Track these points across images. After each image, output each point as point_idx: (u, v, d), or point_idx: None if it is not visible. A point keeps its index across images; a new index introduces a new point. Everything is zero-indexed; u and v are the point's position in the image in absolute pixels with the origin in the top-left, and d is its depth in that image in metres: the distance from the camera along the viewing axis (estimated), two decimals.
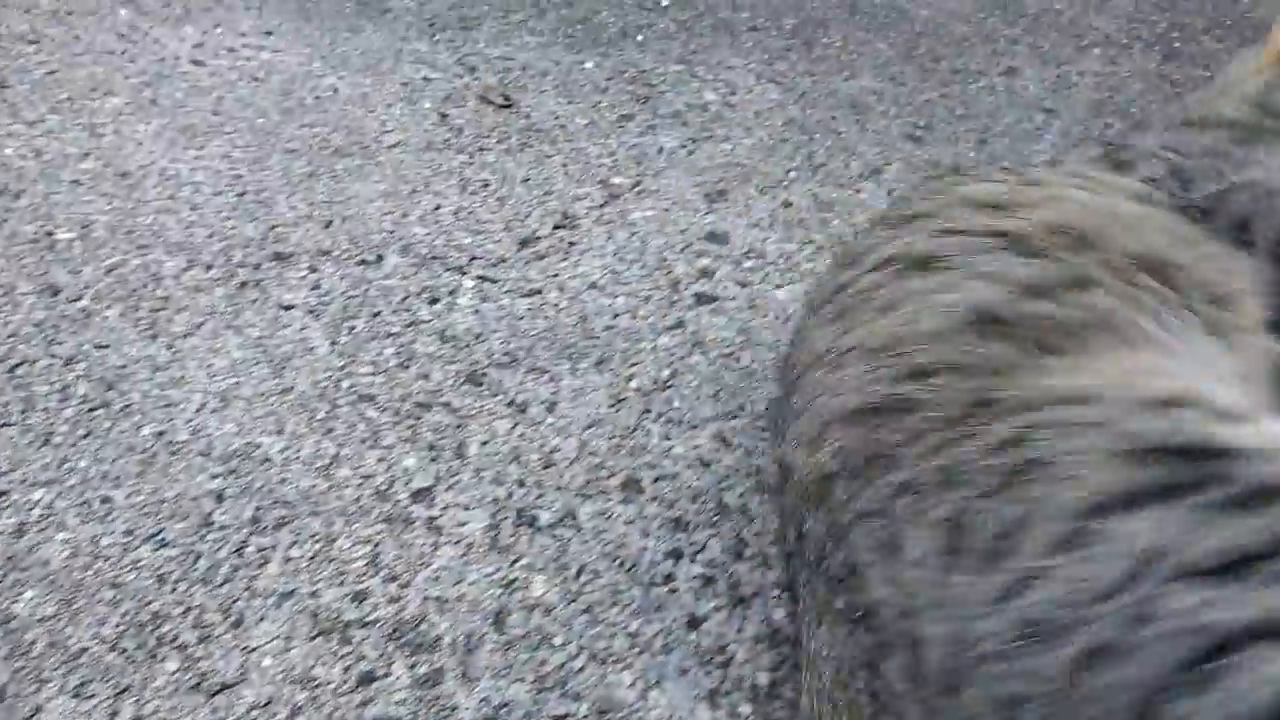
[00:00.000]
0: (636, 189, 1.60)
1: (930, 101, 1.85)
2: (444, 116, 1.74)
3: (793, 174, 1.65)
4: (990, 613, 0.67)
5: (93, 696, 0.93)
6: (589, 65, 1.92)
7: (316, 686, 0.93)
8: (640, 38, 2.02)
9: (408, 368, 1.26)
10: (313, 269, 1.41)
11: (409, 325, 1.33)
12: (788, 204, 1.58)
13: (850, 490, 0.83)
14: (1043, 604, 0.66)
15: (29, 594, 1.02)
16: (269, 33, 1.95)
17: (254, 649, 0.96)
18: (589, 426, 1.19)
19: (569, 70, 1.90)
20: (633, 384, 1.25)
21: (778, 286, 1.42)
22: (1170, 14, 2.31)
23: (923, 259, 0.97)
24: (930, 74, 1.94)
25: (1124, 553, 0.66)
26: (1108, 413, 0.76)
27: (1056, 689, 0.64)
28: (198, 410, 1.20)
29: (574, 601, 1.01)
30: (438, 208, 1.54)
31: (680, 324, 1.34)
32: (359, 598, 1.01)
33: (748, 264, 1.46)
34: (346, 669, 0.95)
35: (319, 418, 1.20)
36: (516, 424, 1.19)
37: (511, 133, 1.71)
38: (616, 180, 1.62)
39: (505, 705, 0.92)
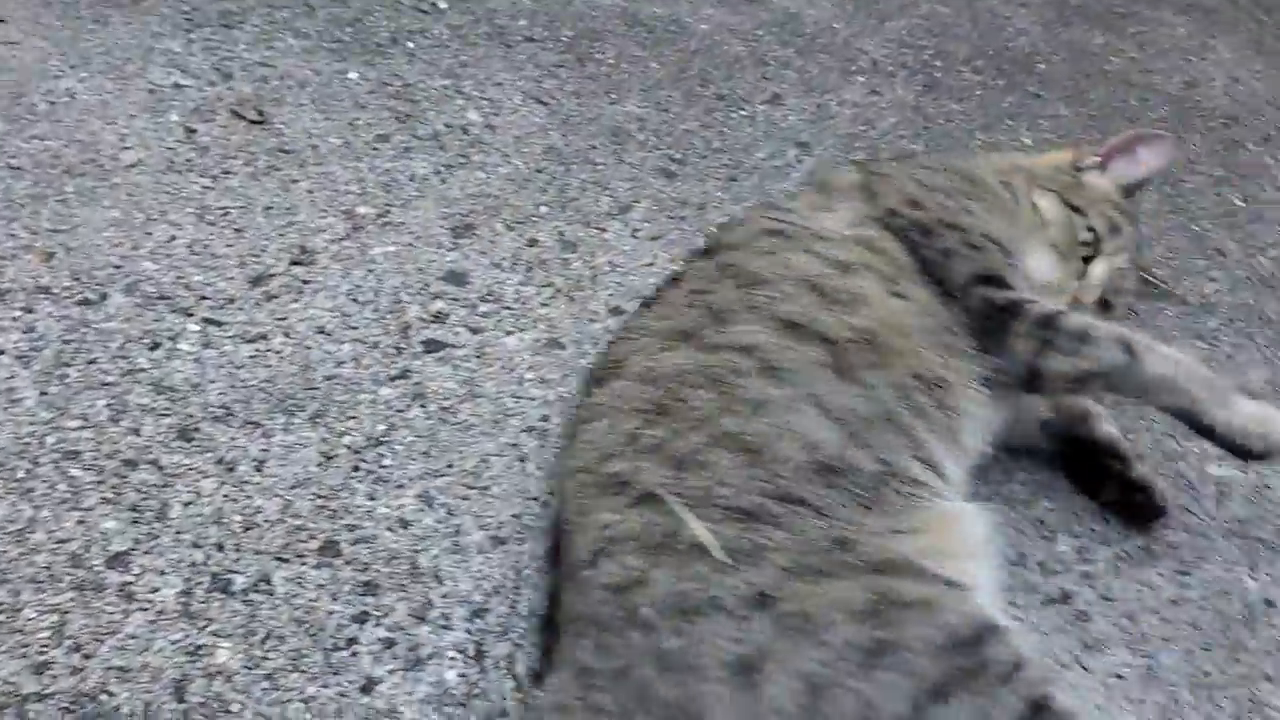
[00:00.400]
0: (382, 220, 1.62)
1: (690, 132, 1.94)
2: (191, 132, 1.70)
3: (543, 209, 1.71)
4: None
5: None
6: (352, 76, 1.90)
7: None
8: (411, 45, 2.01)
9: (119, 421, 1.27)
10: (28, 309, 1.38)
11: (126, 374, 1.33)
12: (533, 242, 1.64)
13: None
14: None
15: None
16: (3, 20, 1.84)
17: None
18: (295, 486, 1.24)
19: (330, 81, 1.87)
20: (345, 440, 1.30)
21: (509, 333, 1.48)
22: (939, 39, 2.45)
23: (774, 369, 1.12)
24: (696, 100, 2.02)
25: None
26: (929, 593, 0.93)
27: None
28: None
29: (256, 668, 1.07)
30: (172, 239, 1.52)
31: (405, 374, 1.40)
32: (40, 669, 1.04)
33: (483, 308, 1.52)
34: None
35: (17, 477, 1.20)
36: (223, 483, 1.23)
37: (260, 153, 1.69)
38: (362, 210, 1.64)
39: None
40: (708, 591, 0.90)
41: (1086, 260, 1.51)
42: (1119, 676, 1.24)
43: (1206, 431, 1.33)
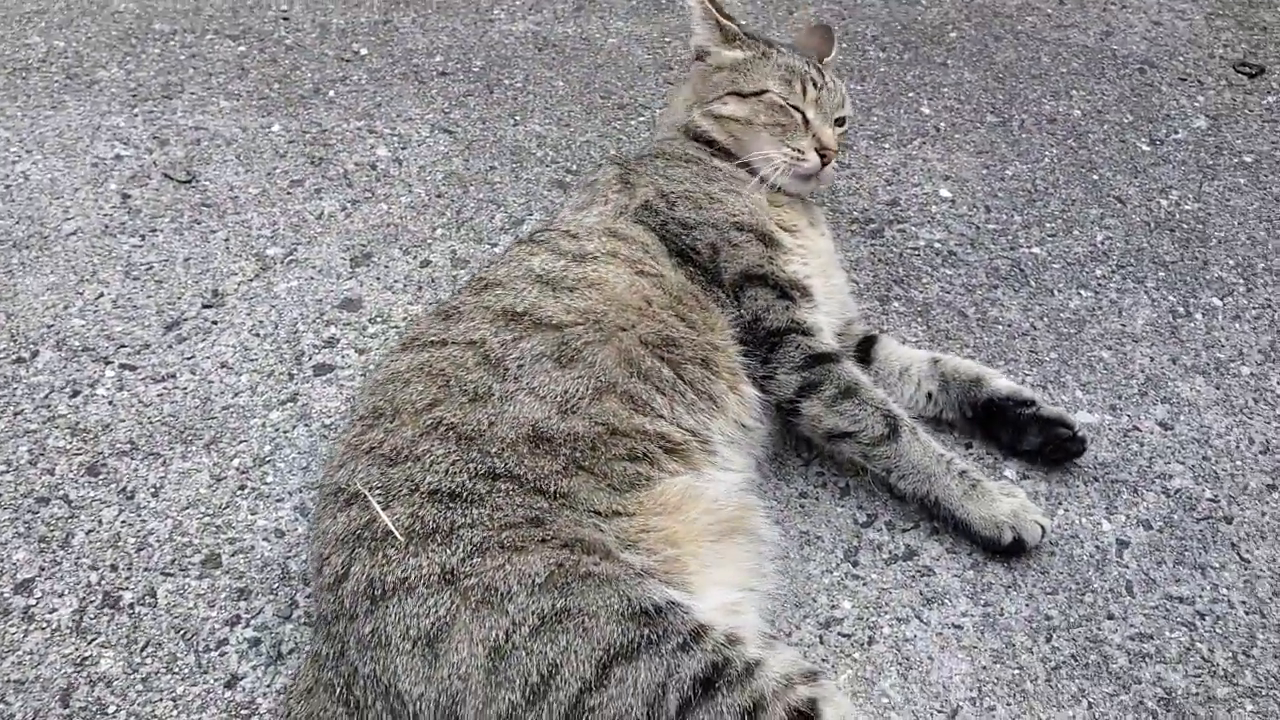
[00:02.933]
0: (288, 259, 1.77)
1: (588, 143, 2.03)
2: (125, 198, 1.88)
3: (439, 231, 1.83)
4: None
5: None
6: (275, 129, 2.06)
7: None
8: (331, 93, 2.16)
9: (36, 463, 1.44)
10: None
11: (46, 421, 1.50)
12: (426, 263, 1.76)
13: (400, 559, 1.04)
14: None
15: None
16: None
17: None
18: (186, 507, 1.38)
19: (255, 136, 2.04)
20: (235, 462, 1.43)
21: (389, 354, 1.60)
22: (847, 21, 2.48)
23: (496, 361, 1.21)
24: (596, 112, 2.11)
25: (636, 693, 0.94)
26: (612, 571, 1.02)
27: None
28: None
29: (134, 673, 1.21)
30: (99, 296, 1.69)
31: (294, 397, 1.53)
32: None
33: (372, 329, 1.64)
34: None
35: None
36: (122, 510, 1.38)
37: (185, 209, 1.86)
38: (271, 251, 1.78)
39: None
40: (396, 574, 1.00)
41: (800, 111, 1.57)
42: (956, 626, 1.28)
43: (953, 524, 1.35)
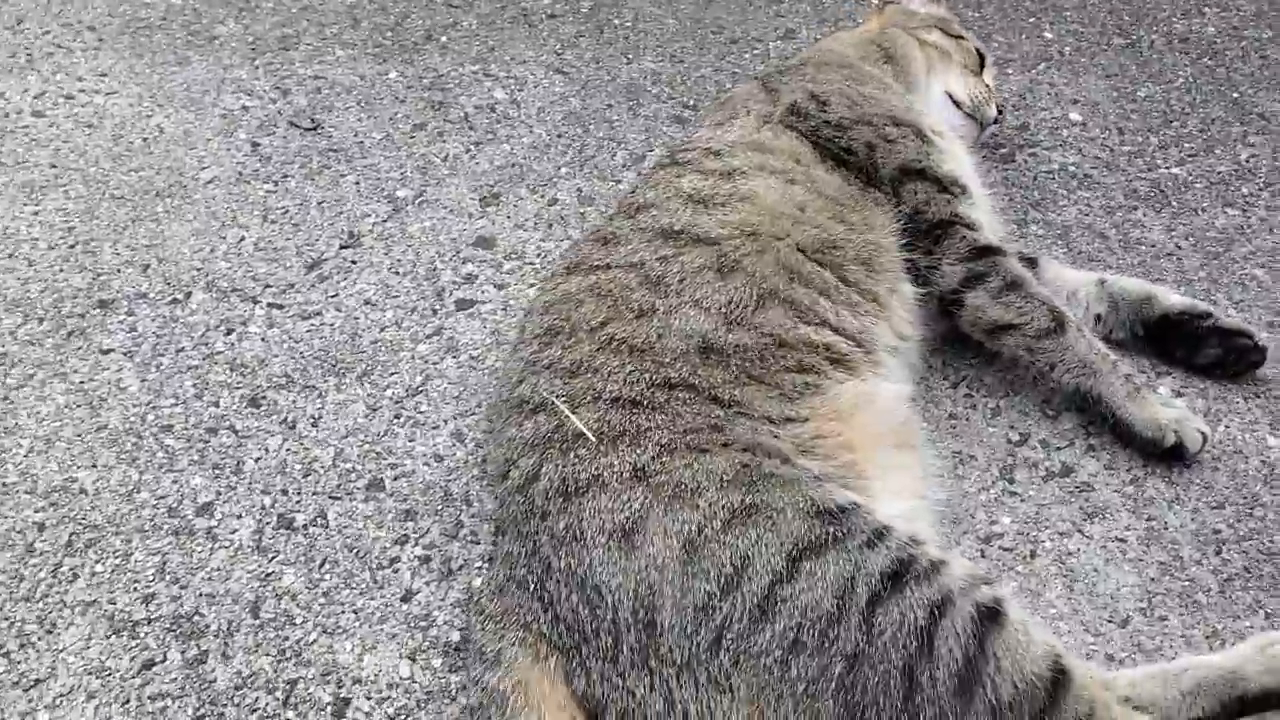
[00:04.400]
0: (419, 200, 1.80)
1: (704, 78, 2.02)
2: (255, 146, 1.94)
3: (564, 170, 1.84)
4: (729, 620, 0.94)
5: None
6: (392, 75, 2.09)
7: (108, 675, 1.20)
8: (444, 39, 2.18)
9: (201, 397, 1.50)
10: (130, 313, 1.64)
11: (206, 358, 1.56)
12: (554, 201, 1.78)
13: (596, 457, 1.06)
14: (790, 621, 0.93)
15: None
16: (104, 74, 2.13)
17: (61, 650, 1.23)
18: (346, 436, 1.42)
19: (373, 83, 2.07)
20: (388, 393, 1.48)
21: (530, 285, 1.63)
22: None
23: (656, 279, 1.23)
24: (709, 47, 2.10)
25: (825, 585, 0.94)
26: (794, 473, 1.03)
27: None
28: (26, 454, 1.45)
29: (315, 588, 1.26)
30: (241, 240, 1.75)
31: (439, 331, 1.56)
32: (147, 600, 1.27)
33: (508, 266, 1.67)
34: (133, 659, 1.21)
35: (126, 449, 1.44)
36: (286, 439, 1.43)
37: (313, 155, 1.90)
38: (401, 193, 1.82)
39: (252, 675, 1.19)
40: (589, 471, 1.02)
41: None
42: (1120, 540, 1.26)
43: (1113, 423, 1.34)
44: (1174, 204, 1.71)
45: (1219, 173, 1.75)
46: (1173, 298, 1.45)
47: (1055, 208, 1.73)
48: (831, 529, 0.97)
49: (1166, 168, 1.79)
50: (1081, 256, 1.64)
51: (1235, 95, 1.88)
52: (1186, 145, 1.82)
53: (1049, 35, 2.06)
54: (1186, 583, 1.21)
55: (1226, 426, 1.37)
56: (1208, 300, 1.55)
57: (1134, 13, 2.13)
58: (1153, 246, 1.65)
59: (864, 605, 0.92)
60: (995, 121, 1.68)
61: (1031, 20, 2.11)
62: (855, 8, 2.17)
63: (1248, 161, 1.75)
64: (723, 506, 0.96)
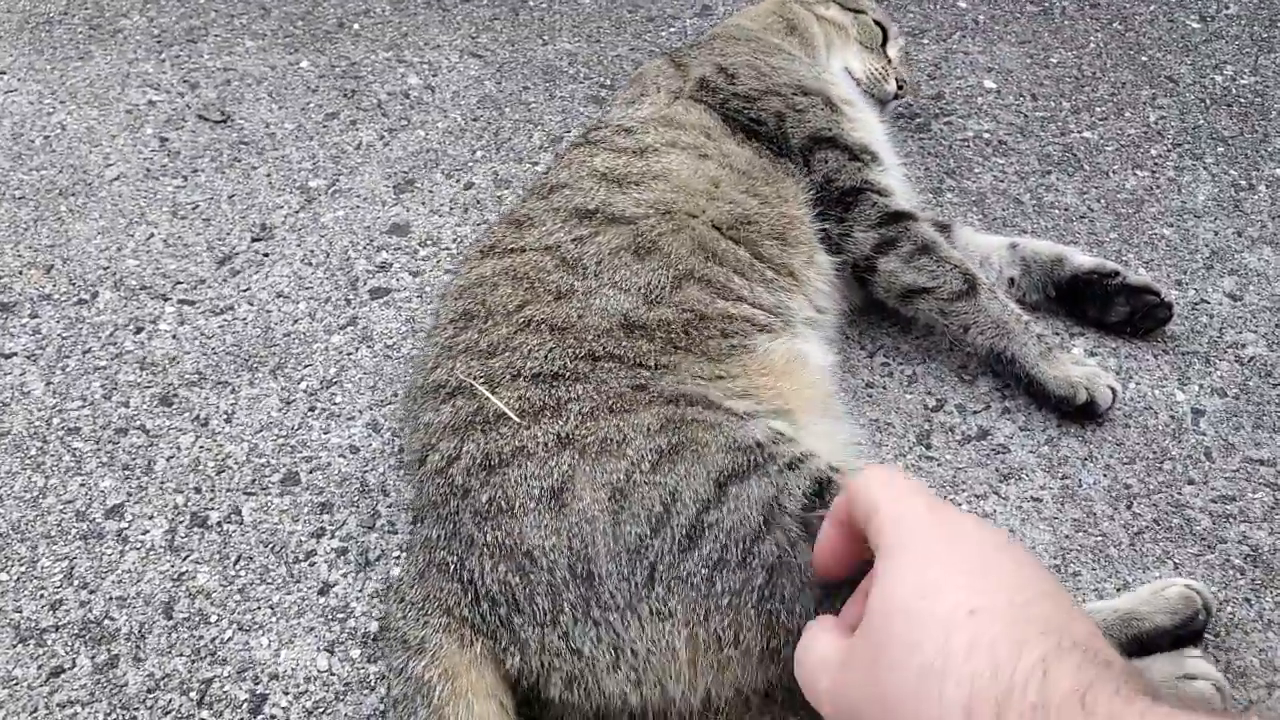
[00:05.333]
0: (331, 190, 1.76)
1: (620, 57, 2.00)
2: (164, 141, 1.88)
3: (479, 154, 1.82)
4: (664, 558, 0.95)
5: None
6: (304, 65, 2.04)
7: (15, 685, 1.16)
8: (356, 26, 2.14)
9: (110, 397, 1.46)
10: (34, 315, 1.58)
11: (115, 357, 1.51)
12: (469, 185, 1.75)
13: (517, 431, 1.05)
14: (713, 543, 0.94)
15: None
16: (2, 72, 2.06)
17: None
18: (260, 431, 1.39)
19: (284, 73, 2.02)
20: (301, 385, 1.45)
21: (446, 272, 1.60)
22: None
23: (573, 261, 1.21)
24: (625, 26, 2.08)
25: (750, 506, 0.95)
26: (717, 418, 1.03)
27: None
28: None
29: (230, 585, 1.23)
30: (150, 236, 1.70)
31: (353, 321, 1.53)
32: (55, 606, 1.23)
33: (423, 253, 1.64)
34: (40, 666, 1.18)
35: (31, 454, 1.40)
36: (198, 437, 1.39)
37: (224, 148, 1.86)
38: (314, 183, 1.78)
39: (165, 677, 1.16)
40: (512, 445, 1.01)
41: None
42: (1035, 500, 1.28)
43: (1026, 383, 1.35)
44: (1086, 168, 1.74)
45: (1129, 135, 1.78)
46: (1082, 258, 1.47)
47: (971, 175, 1.75)
48: (754, 456, 0.98)
49: (1079, 132, 1.81)
50: (997, 222, 1.65)
51: (1144, 59, 1.91)
52: (1098, 109, 1.85)
53: (963, 4, 2.08)
54: (1099, 538, 1.23)
55: (1137, 384, 1.40)
56: (1119, 261, 1.58)
57: None
58: (1066, 210, 1.67)
59: (784, 522, 0.94)
60: (896, 97, 1.69)
61: None
62: None
63: (1156, 124, 1.78)
64: (650, 449, 0.96)
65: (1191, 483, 1.28)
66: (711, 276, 1.20)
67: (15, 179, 1.82)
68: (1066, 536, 1.23)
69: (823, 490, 0.97)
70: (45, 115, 1.96)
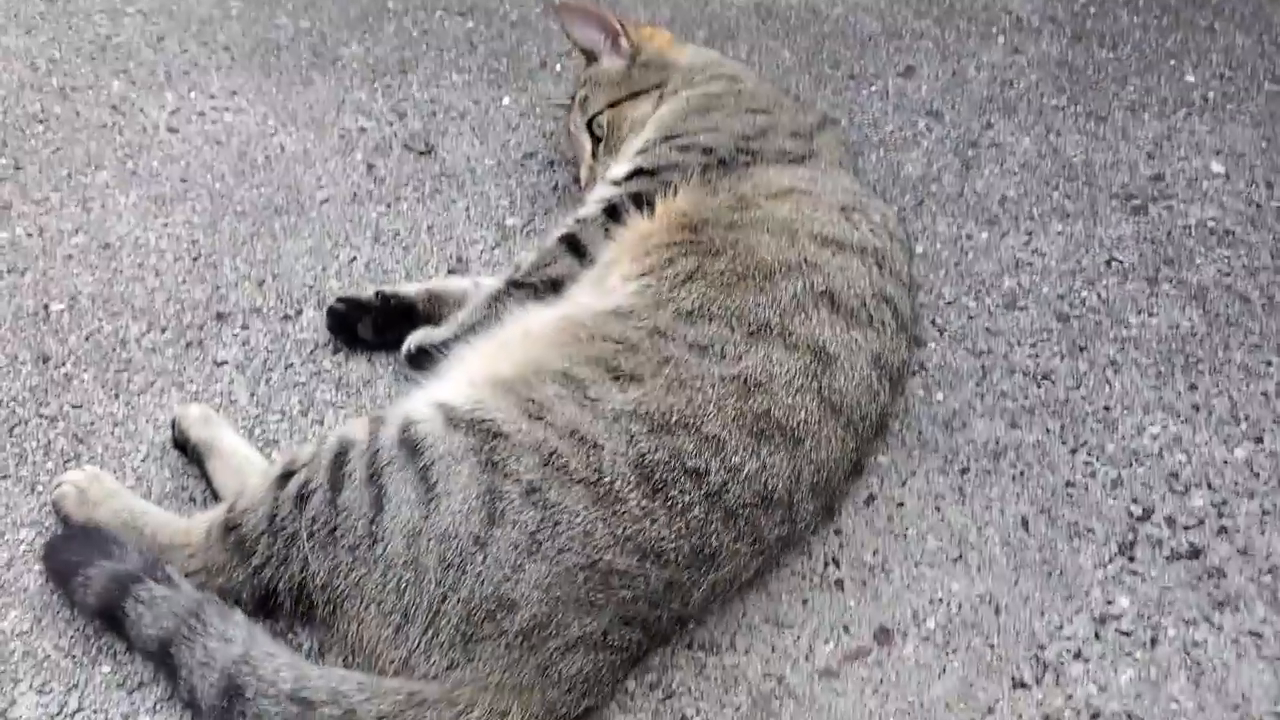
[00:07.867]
0: (527, 229, 1.81)
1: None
2: (370, 168, 1.98)
3: None
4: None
5: None
6: (506, 101, 2.11)
7: None
8: (558, 67, 2.20)
9: (307, 414, 1.53)
10: (244, 326, 1.69)
11: (313, 375, 1.59)
12: None
13: None
14: None
15: (13, 613, 1.34)
16: (234, 93, 2.21)
17: None
18: None
19: (487, 109, 2.10)
20: None
21: None
22: None
23: None
24: (826, 82, 2.05)
25: None
26: None
27: None
28: (143, 460, 1.50)
29: None
30: (353, 260, 1.78)
31: None
32: None
33: None
34: None
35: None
36: None
37: (426, 179, 1.94)
38: (510, 221, 1.83)
39: None
40: None
41: None
42: (1255, 634, 1.17)
43: None
44: None
45: None
46: None
47: (1191, 266, 1.63)
48: None
49: None
50: (1219, 320, 1.53)
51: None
52: None
53: (1191, 78, 1.95)
54: None
55: None
56: None
57: None
58: None
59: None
60: None
61: (1172, 63, 2.00)
62: (979, 44, 2.10)
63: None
64: None
65: None
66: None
67: (239, 195, 1.95)
68: None
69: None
70: (268, 136, 2.10)
